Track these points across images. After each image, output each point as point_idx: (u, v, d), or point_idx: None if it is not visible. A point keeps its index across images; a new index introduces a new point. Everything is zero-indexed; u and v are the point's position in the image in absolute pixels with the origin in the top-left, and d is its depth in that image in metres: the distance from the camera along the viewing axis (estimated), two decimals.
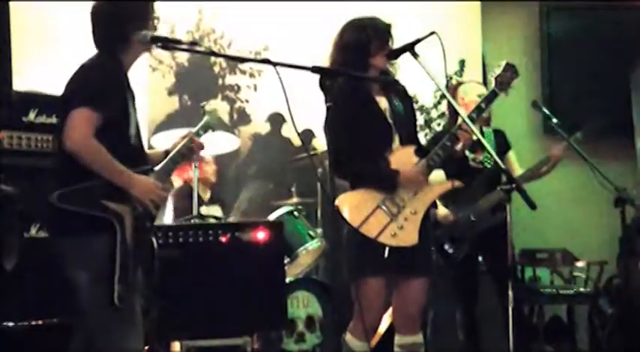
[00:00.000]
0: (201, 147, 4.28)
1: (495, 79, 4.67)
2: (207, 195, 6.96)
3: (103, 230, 3.66)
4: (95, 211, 3.66)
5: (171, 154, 4.14)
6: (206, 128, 4.38)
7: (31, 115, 4.96)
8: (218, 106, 6.84)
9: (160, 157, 4.14)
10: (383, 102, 4.48)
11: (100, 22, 3.91)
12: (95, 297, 3.68)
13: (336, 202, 4.30)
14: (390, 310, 4.82)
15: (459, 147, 4.43)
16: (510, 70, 4.70)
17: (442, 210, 5.68)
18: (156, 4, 4.08)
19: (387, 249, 4.29)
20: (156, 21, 4.02)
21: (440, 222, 5.65)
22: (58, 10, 7.25)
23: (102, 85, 3.72)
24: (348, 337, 4.44)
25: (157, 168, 4.03)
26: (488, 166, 5.78)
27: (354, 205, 4.33)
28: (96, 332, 3.73)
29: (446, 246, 5.65)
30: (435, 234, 5.47)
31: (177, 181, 6.94)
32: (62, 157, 3.69)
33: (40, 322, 4.81)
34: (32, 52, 7.04)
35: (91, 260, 3.66)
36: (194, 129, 4.31)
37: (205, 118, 4.42)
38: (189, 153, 4.22)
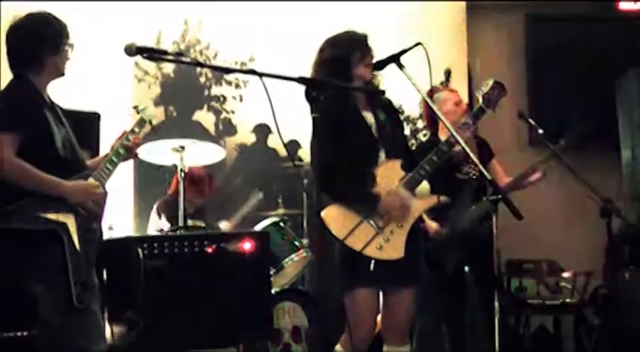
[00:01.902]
0: (138, 145, 4.38)
1: (483, 96, 4.68)
2: (192, 209, 6.92)
3: (50, 241, 3.83)
4: (36, 225, 3.81)
5: (107, 156, 4.24)
6: (140, 125, 4.46)
7: None
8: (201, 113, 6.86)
9: (101, 162, 4.25)
10: (369, 117, 4.48)
11: (12, 44, 4.06)
12: (56, 305, 3.82)
13: (322, 215, 4.29)
14: (378, 320, 4.81)
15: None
16: (498, 88, 4.70)
17: (430, 223, 5.67)
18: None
19: (372, 261, 4.28)
20: (69, 47, 4.09)
21: (429, 236, 5.64)
22: None
23: (11, 110, 3.89)
24: (339, 349, 4.45)
25: (94, 172, 4.13)
26: (474, 178, 5.77)
27: (340, 218, 4.32)
28: (60, 338, 3.84)
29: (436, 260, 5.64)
30: (426, 247, 5.47)
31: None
32: None
33: (24, 333, 4.78)
34: None
35: (45, 271, 3.82)
36: (129, 128, 4.39)
37: (139, 115, 4.52)
38: (127, 151, 4.30)
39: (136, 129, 4.41)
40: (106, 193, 4.12)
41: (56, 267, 3.81)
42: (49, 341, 3.87)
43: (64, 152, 4.00)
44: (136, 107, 4.65)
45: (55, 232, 3.84)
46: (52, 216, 3.85)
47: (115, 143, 4.32)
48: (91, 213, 4.01)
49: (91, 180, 4.06)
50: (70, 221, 3.90)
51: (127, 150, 4.28)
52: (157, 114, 4.59)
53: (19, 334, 4.71)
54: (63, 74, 4.12)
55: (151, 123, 4.57)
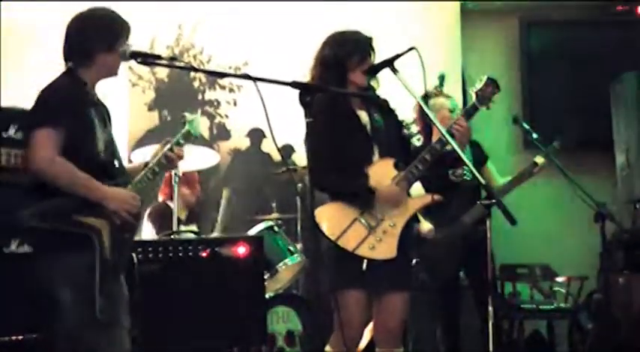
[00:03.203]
0: (181, 156, 4.22)
1: (476, 93, 4.67)
2: (184, 215, 6.92)
3: (80, 246, 3.66)
4: (70, 227, 3.67)
5: (149, 165, 4.10)
6: (186, 137, 4.29)
7: (11, 131, 4.94)
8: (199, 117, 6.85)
9: (139, 170, 4.10)
10: (364, 116, 4.49)
11: (68, 36, 3.95)
12: (81, 312, 3.68)
13: (315, 214, 4.27)
14: (371, 324, 4.81)
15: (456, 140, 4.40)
16: (491, 85, 4.68)
17: (425, 225, 5.67)
18: (131, 35, 4.03)
19: (364, 261, 4.28)
20: (126, 47, 3.95)
21: (425, 238, 5.64)
22: (39, 25, 7.24)
23: (59, 105, 3.76)
24: (328, 349, 4.44)
25: (135, 179, 4.00)
26: (468, 180, 5.76)
27: (333, 218, 4.33)
28: (81, 347, 3.71)
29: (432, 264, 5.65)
30: (422, 250, 5.47)
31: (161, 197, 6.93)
32: (30, 176, 3.72)
33: (20, 337, 4.79)
34: (11, 68, 7.02)
35: (71, 276, 3.67)
36: (174, 139, 4.23)
37: (186, 127, 4.34)
38: (168, 163, 4.16)
39: (181, 141, 4.24)
40: (142, 204, 3.97)
41: (84, 274, 3.65)
42: (68, 349, 3.76)
43: (105, 155, 3.87)
44: (183, 117, 4.56)
45: (88, 237, 3.68)
46: (86, 220, 3.70)
47: (156, 152, 4.19)
48: (125, 222, 3.83)
49: (129, 189, 3.92)
50: (104, 227, 3.74)
51: (169, 160, 4.15)
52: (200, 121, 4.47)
53: (29, 336, 4.78)
54: (115, 74, 4.00)
55: (196, 137, 4.40)
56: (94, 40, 3.89)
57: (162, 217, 6.48)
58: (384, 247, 4.32)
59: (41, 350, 4.67)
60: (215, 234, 6.87)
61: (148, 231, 6.63)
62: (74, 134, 3.74)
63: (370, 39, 4.50)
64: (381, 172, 4.40)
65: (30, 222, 3.66)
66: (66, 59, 3.94)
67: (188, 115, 4.42)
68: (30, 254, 4.03)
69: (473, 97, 4.68)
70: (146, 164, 4.14)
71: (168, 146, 4.16)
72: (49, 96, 3.81)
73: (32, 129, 3.70)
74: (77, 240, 3.67)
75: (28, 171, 3.72)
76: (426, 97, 5.94)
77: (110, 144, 3.95)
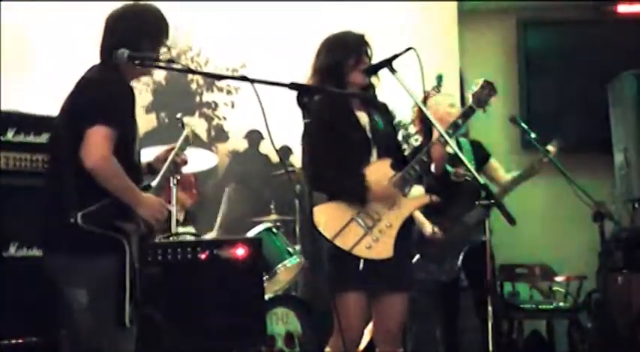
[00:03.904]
0: (186, 162, 4.23)
1: (473, 95, 4.66)
2: (181, 217, 6.91)
3: (111, 249, 3.60)
4: (110, 231, 3.60)
5: (163, 170, 4.09)
6: (187, 141, 4.31)
7: (9, 134, 4.94)
8: (193, 122, 6.86)
9: (143, 170, 4.06)
10: (363, 117, 4.49)
11: (113, 31, 3.85)
12: (97, 316, 3.62)
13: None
14: (371, 325, 4.81)
15: (432, 167, 4.42)
16: (488, 87, 4.67)
17: (428, 227, 5.67)
18: (169, 31, 3.99)
19: (362, 261, 4.28)
20: (165, 48, 3.92)
21: (425, 238, 5.64)
22: (37, 29, 7.23)
23: (116, 102, 3.66)
24: (328, 351, 4.43)
25: (153, 183, 3.96)
26: (470, 180, 5.75)
27: (329, 217, 4.32)
28: (93, 350, 3.66)
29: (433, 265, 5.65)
30: (423, 250, 5.48)
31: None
32: (71, 177, 3.61)
33: (20, 340, 4.79)
34: (10, 72, 7.02)
35: (97, 279, 3.60)
36: (177, 144, 4.23)
37: (186, 131, 4.35)
38: (174, 168, 4.17)
39: (184, 146, 4.24)
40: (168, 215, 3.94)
41: (111, 279, 3.58)
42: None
43: (137, 158, 3.84)
44: (180, 119, 4.50)
45: (119, 242, 3.60)
46: (121, 224, 3.62)
47: (161, 156, 4.18)
48: (151, 230, 3.80)
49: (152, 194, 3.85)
50: (134, 233, 3.69)
51: (176, 165, 4.16)
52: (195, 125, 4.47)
53: (29, 339, 4.79)
54: (151, 73, 3.94)
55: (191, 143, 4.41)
56: (142, 37, 3.81)
57: None
58: (380, 247, 4.32)
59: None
60: (215, 231, 6.89)
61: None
62: (124, 135, 3.65)
63: (362, 37, 4.50)
64: (378, 173, 4.39)
65: (82, 224, 3.54)
66: (106, 54, 3.81)
67: (185, 118, 4.41)
68: (48, 254, 3.89)
69: (470, 100, 4.67)
70: (149, 165, 4.13)
71: (174, 152, 4.15)
72: (103, 91, 3.67)
73: (87, 126, 3.54)
74: (111, 244, 3.59)
75: (76, 170, 3.57)
76: (426, 98, 5.95)
77: (139, 147, 3.90)
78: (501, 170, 6.04)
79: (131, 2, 3.99)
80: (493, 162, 6.07)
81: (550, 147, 5.80)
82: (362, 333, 4.54)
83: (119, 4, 3.97)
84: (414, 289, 4.54)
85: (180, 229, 6.53)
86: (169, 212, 6.20)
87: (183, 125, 4.41)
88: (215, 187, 7.70)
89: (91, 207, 3.56)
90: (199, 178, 7.16)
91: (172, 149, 4.22)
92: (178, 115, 4.80)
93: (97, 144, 3.52)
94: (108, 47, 3.79)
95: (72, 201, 3.59)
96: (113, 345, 3.66)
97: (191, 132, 4.41)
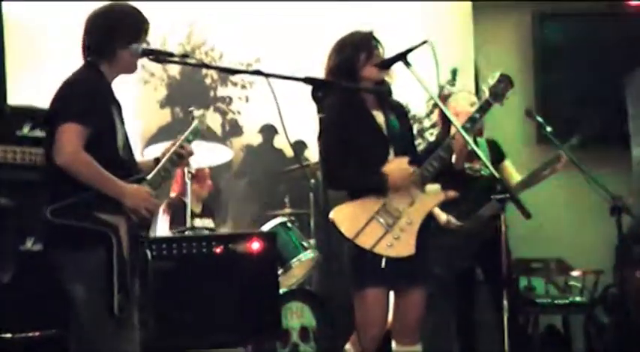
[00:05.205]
0: (191, 153, 4.25)
1: (489, 89, 4.63)
2: (199, 209, 6.93)
3: (98, 242, 3.67)
4: (89, 224, 3.68)
5: (162, 162, 4.11)
6: (195, 133, 4.32)
7: (25, 129, 4.98)
8: (207, 113, 6.86)
9: (150, 166, 4.11)
10: (379, 116, 4.48)
11: (90, 31, 3.94)
12: (94, 309, 3.69)
13: (331, 214, 4.30)
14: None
15: (454, 158, 4.42)
16: (505, 81, 4.65)
17: (443, 216, 5.66)
18: (150, 27, 4.04)
19: (383, 259, 4.28)
20: (146, 44, 3.96)
21: (445, 228, 5.64)
22: (50, 24, 7.24)
23: (86, 100, 3.74)
24: (348, 348, 4.47)
25: (148, 176, 4.00)
26: (485, 174, 5.74)
27: (349, 217, 4.32)
28: (95, 344, 3.73)
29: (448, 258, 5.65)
30: (439, 242, 5.47)
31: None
32: (52, 172, 3.72)
33: (37, 333, 4.82)
34: (25, 66, 7.04)
35: (88, 273, 3.68)
36: (183, 135, 4.25)
37: (194, 124, 4.36)
38: (179, 159, 4.19)
39: (191, 138, 4.27)
40: (159, 205, 4.01)
41: (102, 271, 3.66)
42: (82, 346, 3.79)
43: (123, 152, 3.89)
44: (191, 111, 4.55)
45: (105, 234, 3.68)
46: (105, 217, 3.70)
47: (167, 149, 4.21)
48: (142, 220, 3.86)
49: (145, 186, 3.92)
50: (122, 225, 3.75)
51: (180, 157, 4.17)
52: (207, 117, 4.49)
53: (46, 332, 4.83)
54: (134, 71, 4.00)
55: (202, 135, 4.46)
56: (117, 36, 3.89)
57: (177, 211, 6.47)
58: (402, 245, 4.31)
59: (58, 346, 4.71)
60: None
61: (163, 224, 6.62)
62: (98, 130, 3.74)
63: (370, 33, 4.50)
64: (397, 169, 4.37)
65: (52, 218, 3.66)
66: (86, 53, 3.94)
67: (196, 112, 4.44)
68: (45, 250, 4.00)
69: (486, 94, 4.65)
70: (156, 160, 4.16)
71: (178, 143, 4.17)
72: (75, 90, 3.80)
73: (59, 124, 3.68)
74: (96, 237, 3.68)
75: (51, 166, 3.70)
76: (447, 96, 5.94)
77: (126, 141, 3.96)
78: (514, 173, 6.02)
79: (109, 2, 4.07)
80: (507, 164, 6.05)
81: (574, 140, 5.78)
82: (383, 330, 4.53)
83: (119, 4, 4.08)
84: (430, 283, 4.54)
85: (198, 222, 6.55)
86: (184, 203, 6.21)
87: (193, 117, 4.41)
88: (229, 181, 7.70)
89: (64, 201, 3.67)
90: (214, 171, 7.17)
91: (177, 141, 4.24)
92: (191, 108, 4.79)
93: (66, 141, 3.65)
94: (86, 47, 3.94)
95: (49, 197, 3.74)
96: (112, 341, 3.73)
97: (201, 125, 4.41)
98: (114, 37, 3.88)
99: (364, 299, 4.30)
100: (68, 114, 3.69)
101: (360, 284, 4.32)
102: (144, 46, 3.87)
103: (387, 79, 4.49)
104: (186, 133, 4.27)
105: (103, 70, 3.89)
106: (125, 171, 3.85)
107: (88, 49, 3.93)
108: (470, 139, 4.26)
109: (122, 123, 3.93)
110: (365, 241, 4.28)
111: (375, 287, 4.32)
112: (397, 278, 4.33)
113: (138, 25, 3.98)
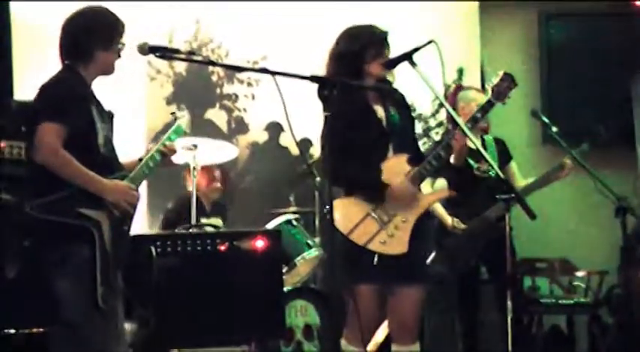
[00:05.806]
0: (174, 151, 4.37)
1: (492, 88, 4.63)
2: (208, 207, 6.95)
3: (81, 238, 3.83)
4: (72, 220, 3.82)
5: (144, 160, 4.23)
6: (178, 132, 4.44)
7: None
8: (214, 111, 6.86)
9: (134, 165, 4.23)
10: (380, 111, 4.47)
11: (66, 34, 4.10)
12: (79, 302, 3.83)
13: (326, 209, 4.29)
14: (387, 322, 4.80)
15: (452, 158, 4.41)
16: (508, 80, 4.63)
17: (449, 220, 5.66)
18: (127, 30, 4.18)
19: (375, 256, 4.28)
20: (121, 46, 4.13)
21: (451, 231, 5.64)
22: (56, 24, 7.25)
23: (63, 100, 3.90)
24: (343, 342, 4.45)
25: (131, 174, 4.13)
26: (493, 175, 5.73)
27: (345, 212, 4.32)
28: (80, 338, 3.84)
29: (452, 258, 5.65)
30: (444, 243, 5.47)
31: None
32: (34, 168, 3.88)
33: (41, 329, 4.84)
34: (31, 65, 7.05)
35: (72, 268, 3.83)
36: (165, 135, 4.39)
37: (177, 124, 4.48)
38: (162, 157, 4.30)
39: (172, 137, 4.40)
40: (139, 198, 4.13)
41: (84, 266, 3.82)
42: (70, 340, 3.88)
43: (104, 149, 4.02)
44: (173, 113, 4.65)
45: (87, 229, 3.84)
46: (87, 212, 3.85)
47: (150, 147, 4.36)
48: (124, 214, 4.01)
49: (127, 182, 4.06)
50: (103, 220, 3.90)
51: (162, 155, 4.29)
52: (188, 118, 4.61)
53: (35, 330, 4.84)
54: (112, 72, 4.14)
55: (185, 133, 4.57)
56: (94, 38, 4.04)
57: (184, 207, 6.48)
58: (395, 242, 4.32)
59: (44, 344, 4.77)
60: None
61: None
62: (77, 128, 3.89)
63: (385, 33, 4.49)
64: (395, 168, 4.39)
65: (35, 214, 3.80)
66: (64, 56, 4.09)
67: (178, 112, 4.66)
68: (30, 246, 4.17)
69: (489, 92, 4.64)
70: (140, 160, 4.26)
71: (160, 142, 4.31)
72: (53, 91, 3.97)
73: (38, 123, 3.84)
74: (78, 233, 3.82)
75: (32, 163, 3.87)
76: (458, 89, 5.93)
77: (109, 139, 4.09)
78: (519, 176, 6.02)
79: (83, 6, 4.18)
80: (513, 166, 6.05)
81: (584, 147, 5.79)
82: (376, 325, 4.54)
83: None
84: (430, 283, 4.53)
85: (205, 220, 6.56)
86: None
87: (176, 118, 4.50)
88: (235, 179, 7.70)
89: (47, 197, 3.82)
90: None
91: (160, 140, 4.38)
92: (172, 112, 4.87)
93: (44, 140, 3.82)
94: (63, 49, 4.10)
95: (32, 194, 3.91)
96: (98, 334, 3.86)
97: (183, 125, 4.52)
98: (89, 39, 4.03)
99: (355, 296, 4.26)
100: (46, 114, 3.86)
101: (351, 280, 4.31)
102: (150, 42, 3.91)
103: (388, 77, 4.50)
104: (169, 132, 4.41)
105: (80, 72, 4.04)
106: (107, 168, 4.00)
107: (65, 52, 4.08)
108: (475, 138, 4.25)
109: (104, 122, 4.07)
110: (359, 237, 4.30)
111: (365, 284, 4.33)
112: (391, 276, 4.32)
113: (112, 27, 4.12)
